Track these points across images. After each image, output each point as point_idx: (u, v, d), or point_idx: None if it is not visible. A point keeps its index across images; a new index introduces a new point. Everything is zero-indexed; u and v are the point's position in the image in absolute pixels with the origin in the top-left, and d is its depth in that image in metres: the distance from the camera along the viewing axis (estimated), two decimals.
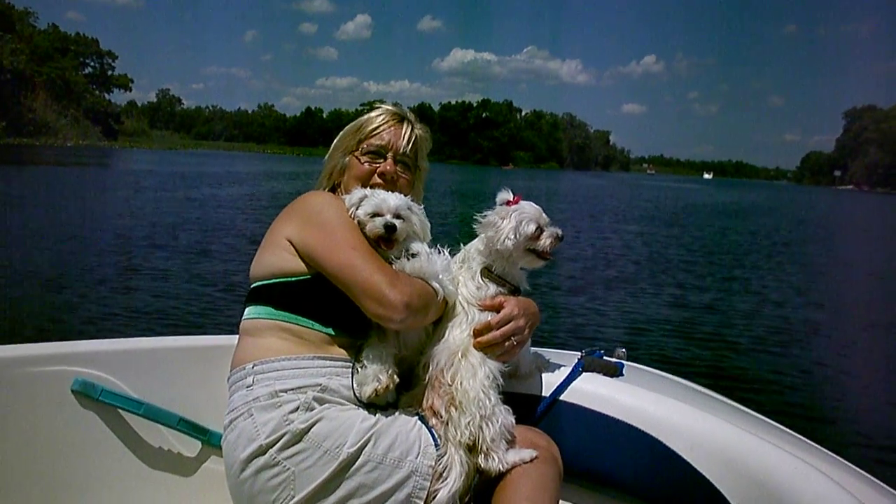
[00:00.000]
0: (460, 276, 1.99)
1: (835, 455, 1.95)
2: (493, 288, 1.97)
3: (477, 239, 2.02)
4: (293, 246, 1.87)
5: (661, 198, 51.34)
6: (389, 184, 2.04)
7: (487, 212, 1.99)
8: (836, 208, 61.78)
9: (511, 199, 1.98)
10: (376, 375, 1.78)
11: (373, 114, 2.13)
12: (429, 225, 2.01)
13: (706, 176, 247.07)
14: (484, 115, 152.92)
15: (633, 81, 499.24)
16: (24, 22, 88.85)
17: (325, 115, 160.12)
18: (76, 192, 24.28)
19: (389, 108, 2.15)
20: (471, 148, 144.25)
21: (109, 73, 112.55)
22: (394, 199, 1.89)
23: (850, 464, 1.92)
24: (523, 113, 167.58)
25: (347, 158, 2.10)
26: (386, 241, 1.87)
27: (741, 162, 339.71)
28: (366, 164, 2.06)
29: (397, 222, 1.86)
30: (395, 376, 1.81)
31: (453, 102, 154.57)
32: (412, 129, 2.13)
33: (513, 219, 1.93)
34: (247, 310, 1.94)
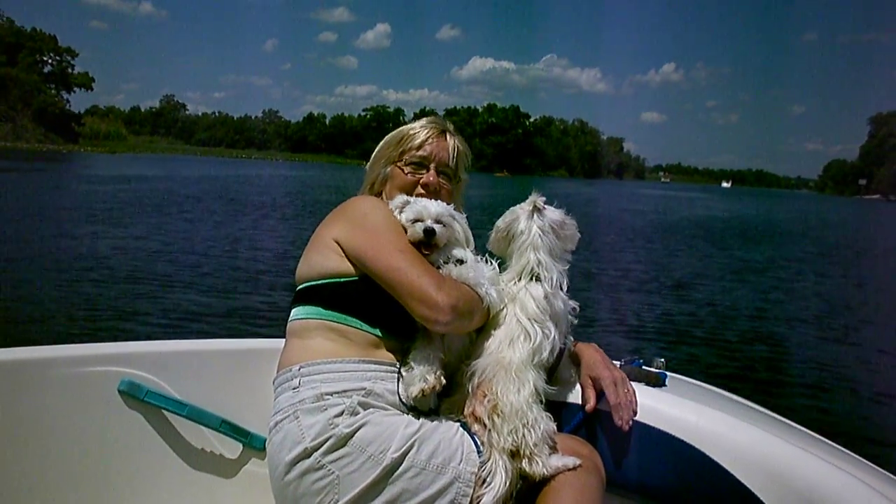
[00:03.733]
0: (527, 291, 1.92)
1: (884, 471, 1.88)
2: (561, 297, 1.96)
3: (536, 250, 1.96)
4: (341, 247, 1.91)
5: (669, 207, 46.79)
6: (432, 194, 2.08)
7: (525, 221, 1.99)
8: (861, 218, 56.90)
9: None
10: (423, 376, 1.81)
11: (416, 125, 2.18)
12: (471, 233, 2.05)
13: (724, 185, 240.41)
14: (490, 120, 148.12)
15: (652, 90, 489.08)
16: None
17: (327, 122, 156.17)
18: None
19: (431, 120, 2.22)
20: (475, 154, 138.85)
21: (70, 71, 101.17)
22: (435, 206, 1.96)
23: None
24: (532, 119, 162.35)
25: (389, 168, 2.15)
26: (426, 246, 1.92)
27: (762, 171, 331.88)
28: (409, 174, 2.11)
29: (437, 227, 1.91)
30: (443, 378, 1.84)
31: (458, 108, 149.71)
32: (454, 142, 2.17)
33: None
34: (294, 310, 1.97)
